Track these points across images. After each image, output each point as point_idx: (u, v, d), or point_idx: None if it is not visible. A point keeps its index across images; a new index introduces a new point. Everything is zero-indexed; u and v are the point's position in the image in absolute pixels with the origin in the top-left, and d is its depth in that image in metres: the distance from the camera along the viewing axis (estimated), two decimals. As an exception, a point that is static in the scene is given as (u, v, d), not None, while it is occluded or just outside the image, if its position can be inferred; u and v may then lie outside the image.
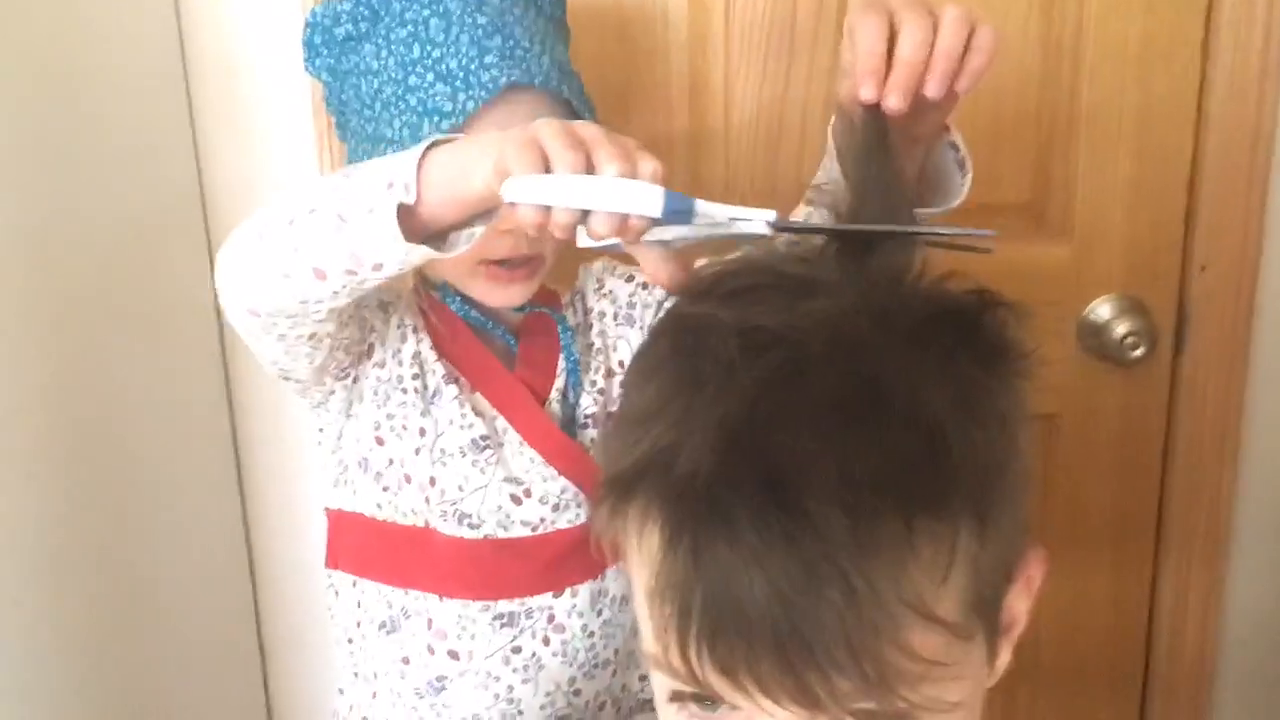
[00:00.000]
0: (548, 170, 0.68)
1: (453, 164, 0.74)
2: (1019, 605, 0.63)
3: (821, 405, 0.54)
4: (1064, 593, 1.52)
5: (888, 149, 0.70)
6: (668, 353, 0.61)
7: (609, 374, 1.04)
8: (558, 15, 1.05)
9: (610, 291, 1.07)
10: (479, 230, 0.77)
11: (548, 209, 0.68)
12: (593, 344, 1.05)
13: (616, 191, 0.67)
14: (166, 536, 1.37)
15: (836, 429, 0.54)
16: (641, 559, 0.58)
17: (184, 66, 1.38)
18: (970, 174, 0.87)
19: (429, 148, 0.75)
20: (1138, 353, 1.40)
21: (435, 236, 0.77)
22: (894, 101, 0.72)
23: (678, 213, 0.67)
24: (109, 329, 1.28)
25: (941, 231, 0.68)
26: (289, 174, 1.38)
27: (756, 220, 0.68)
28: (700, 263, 0.99)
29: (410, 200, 0.74)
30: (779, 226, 0.68)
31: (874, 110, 0.73)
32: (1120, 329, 1.41)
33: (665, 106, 1.39)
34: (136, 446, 1.33)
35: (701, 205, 0.68)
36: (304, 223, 0.79)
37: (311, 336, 0.89)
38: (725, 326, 0.58)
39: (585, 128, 0.69)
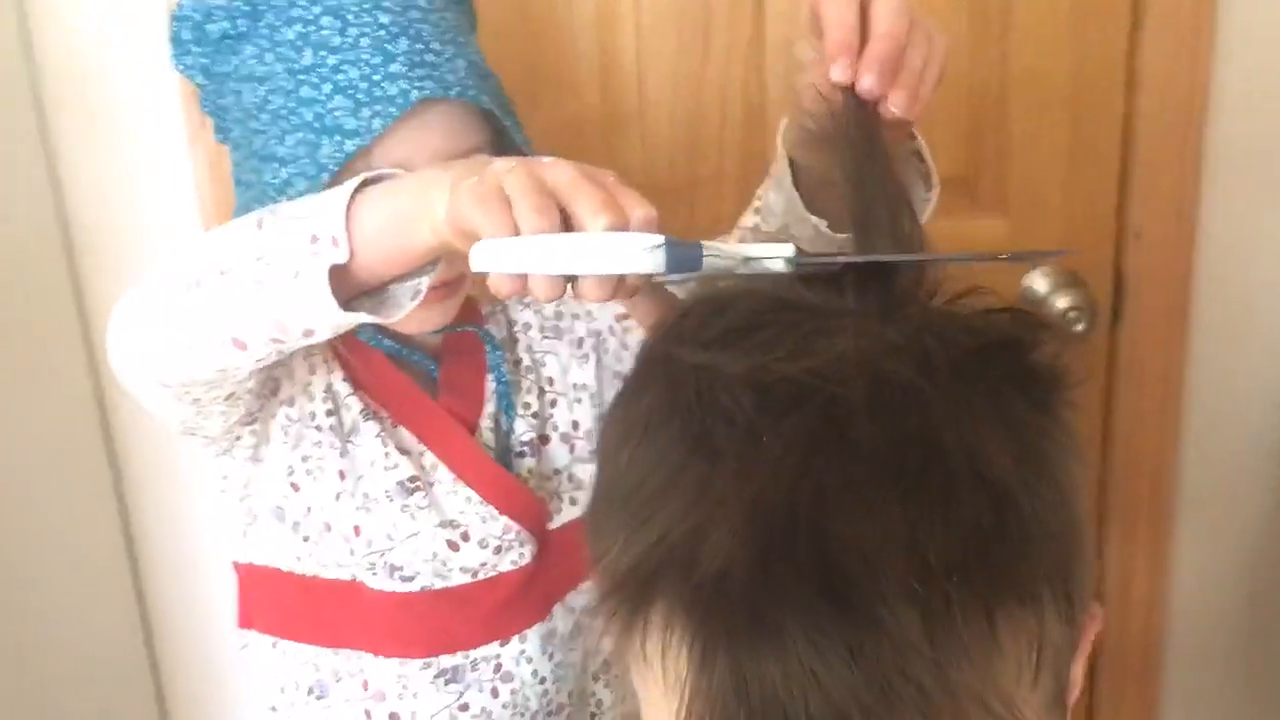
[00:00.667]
0: (517, 226, 0.58)
1: (390, 213, 0.64)
2: (1078, 670, 0.55)
3: (874, 475, 0.44)
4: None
5: (881, 146, 0.60)
6: (663, 410, 0.50)
7: (541, 393, 0.94)
8: (464, 2, 0.94)
9: (534, 301, 0.96)
10: (425, 285, 0.67)
11: (524, 275, 0.58)
12: (520, 360, 0.95)
13: (608, 250, 0.57)
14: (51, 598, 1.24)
15: (897, 504, 0.44)
16: (664, 680, 0.47)
17: (30, 68, 1.23)
18: (936, 188, 0.78)
19: (356, 189, 0.65)
20: (1079, 327, 1.35)
21: (370, 292, 0.67)
22: (870, 80, 0.62)
23: (682, 264, 0.57)
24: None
25: (998, 256, 0.58)
26: (158, 183, 1.25)
27: (774, 258, 0.58)
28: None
29: (342, 259, 0.64)
30: (801, 261, 0.58)
31: (854, 99, 0.63)
32: (1060, 303, 1.35)
33: (574, 88, 1.29)
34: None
35: (710, 250, 0.58)
36: (214, 287, 0.68)
37: (230, 396, 0.79)
38: (733, 378, 0.48)
39: (555, 170, 0.59)
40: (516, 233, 0.57)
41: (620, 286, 0.58)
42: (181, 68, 0.89)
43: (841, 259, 0.58)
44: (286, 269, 0.65)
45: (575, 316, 0.94)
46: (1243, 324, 1.40)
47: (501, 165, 0.60)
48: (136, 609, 1.38)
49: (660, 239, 0.57)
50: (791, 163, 0.77)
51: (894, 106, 0.63)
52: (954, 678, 0.43)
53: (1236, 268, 1.38)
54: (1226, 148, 1.32)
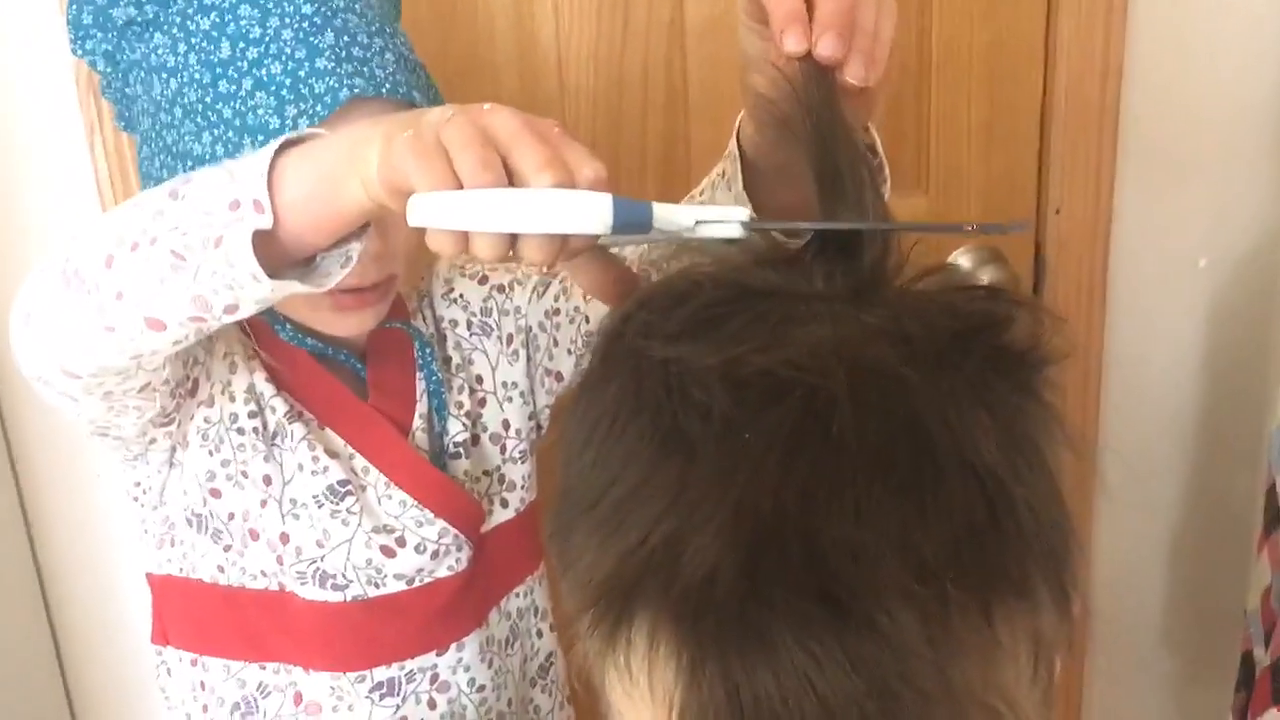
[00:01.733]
0: (459, 183, 0.54)
1: (317, 173, 0.59)
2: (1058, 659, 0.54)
3: (862, 470, 0.42)
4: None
5: (843, 116, 0.57)
6: (630, 405, 0.47)
7: (473, 391, 0.90)
8: None
9: (460, 296, 0.93)
10: (356, 251, 0.63)
11: (465, 233, 0.54)
12: (450, 358, 0.91)
13: (552, 207, 0.53)
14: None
15: (889, 501, 0.42)
16: (652, 695, 0.45)
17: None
18: (888, 183, 0.76)
19: (280, 149, 0.60)
20: (1001, 304, 1.35)
21: (298, 263, 0.62)
22: (828, 45, 0.58)
23: (630, 225, 0.54)
24: None
25: (975, 225, 0.56)
26: (57, 174, 1.18)
27: (728, 222, 0.55)
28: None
29: (266, 225, 0.59)
30: (755, 226, 0.55)
31: (811, 69, 0.59)
32: (984, 279, 1.35)
33: (491, 71, 1.25)
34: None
35: (660, 211, 0.55)
36: (127, 263, 0.63)
37: (144, 388, 0.74)
38: (705, 371, 0.45)
39: (496, 119, 0.55)
40: (458, 188, 0.54)
41: (564, 248, 0.55)
42: (81, 53, 0.83)
43: (800, 225, 0.55)
44: (205, 238, 0.60)
45: (504, 313, 0.91)
46: (1159, 296, 1.42)
47: (438, 115, 0.56)
48: (47, 625, 1.32)
49: (608, 197, 0.54)
50: (743, 163, 0.74)
51: (851, 75, 0.59)
52: (955, 679, 0.42)
53: (1152, 242, 1.39)
54: (1142, 121, 1.34)
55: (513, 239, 0.54)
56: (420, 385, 0.88)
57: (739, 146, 0.72)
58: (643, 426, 0.46)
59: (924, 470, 0.43)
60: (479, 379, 0.90)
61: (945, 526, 0.42)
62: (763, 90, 0.63)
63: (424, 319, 0.91)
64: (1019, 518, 0.44)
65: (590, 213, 0.53)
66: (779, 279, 0.50)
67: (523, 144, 0.54)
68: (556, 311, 0.89)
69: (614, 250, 0.60)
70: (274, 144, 0.60)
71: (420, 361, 0.88)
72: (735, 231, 0.55)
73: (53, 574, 1.31)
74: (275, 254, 0.61)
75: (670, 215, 0.55)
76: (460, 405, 0.89)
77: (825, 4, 0.59)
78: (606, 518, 0.45)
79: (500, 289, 0.91)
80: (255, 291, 0.61)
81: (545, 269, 0.84)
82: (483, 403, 0.90)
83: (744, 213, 0.55)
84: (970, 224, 0.57)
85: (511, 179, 0.54)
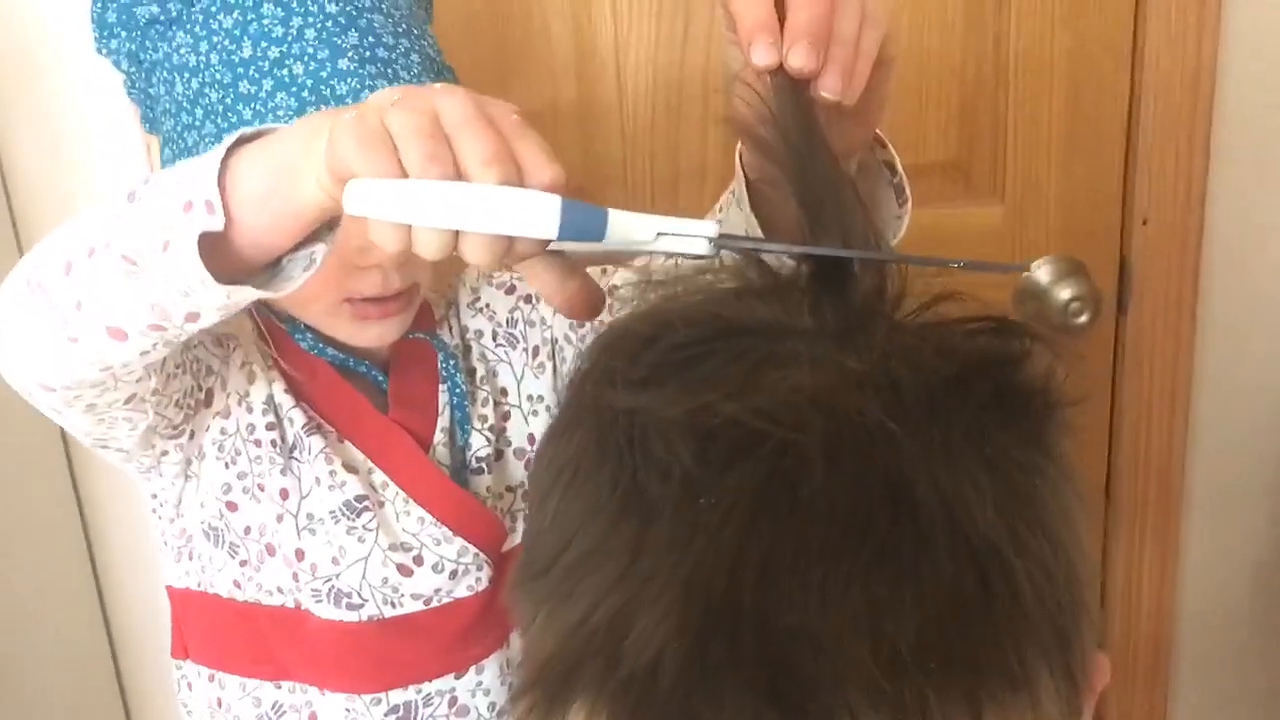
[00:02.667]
0: (405, 172, 0.50)
1: (268, 167, 0.56)
2: None
3: (831, 543, 0.37)
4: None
5: (820, 134, 0.52)
6: (592, 457, 0.42)
7: (497, 405, 0.88)
8: None
9: (486, 305, 0.89)
10: (320, 253, 0.59)
11: (408, 226, 0.51)
12: (475, 370, 0.88)
13: (494, 206, 0.49)
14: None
15: (859, 579, 0.37)
16: None
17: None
18: (909, 202, 0.71)
19: (235, 145, 0.57)
20: (1082, 319, 1.28)
21: (263, 268, 0.59)
22: (800, 55, 0.53)
23: (581, 232, 0.50)
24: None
25: (963, 263, 0.50)
26: (109, 179, 1.20)
27: (694, 236, 0.51)
28: (615, 278, 0.83)
29: (218, 225, 0.56)
30: (724, 244, 0.51)
31: (784, 83, 0.55)
32: (1062, 294, 1.26)
33: (549, 78, 1.23)
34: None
35: (617, 219, 0.50)
36: (84, 269, 0.61)
37: (130, 399, 0.71)
38: (670, 421, 0.40)
39: (445, 104, 0.51)
40: (403, 176, 0.50)
41: (510, 251, 0.51)
42: (105, 52, 0.82)
43: (773, 248, 0.50)
44: (156, 241, 0.57)
45: (531, 324, 0.88)
46: (1253, 312, 1.34)
47: (384, 98, 0.52)
48: (104, 630, 1.34)
49: (556, 199, 0.50)
50: (749, 184, 0.69)
51: (825, 89, 0.55)
52: None
53: (1247, 253, 1.31)
54: (1236, 127, 1.26)
55: (456, 236, 0.50)
56: (443, 398, 0.85)
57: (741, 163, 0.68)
58: (602, 483, 0.41)
59: (904, 540, 0.37)
60: (504, 392, 0.88)
61: (927, 607, 0.37)
62: (739, 108, 0.58)
63: (450, 328, 0.89)
64: (1018, 593, 0.38)
65: (535, 215, 0.49)
66: (765, 312, 0.44)
67: (470, 134, 0.50)
68: (582, 324, 0.86)
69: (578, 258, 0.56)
70: (227, 140, 0.57)
71: (444, 373, 0.85)
72: (701, 248, 0.51)
73: (109, 579, 1.33)
74: (235, 258, 0.58)
75: (630, 225, 0.51)
76: (484, 419, 0.86)
77: (798, 11, 0.54)
78: (558, 582, 0.41)
79: (527, 299, 0.88)
80: (211, 298, 0.58)
81: (488, 272, 0.78)
82: (507, 416, 0.87)
83: (711, 227, 0.51)
84: (959, 260, 0.51)
85: (458, 171, 0.50)
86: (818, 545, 0.37)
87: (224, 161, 0.56)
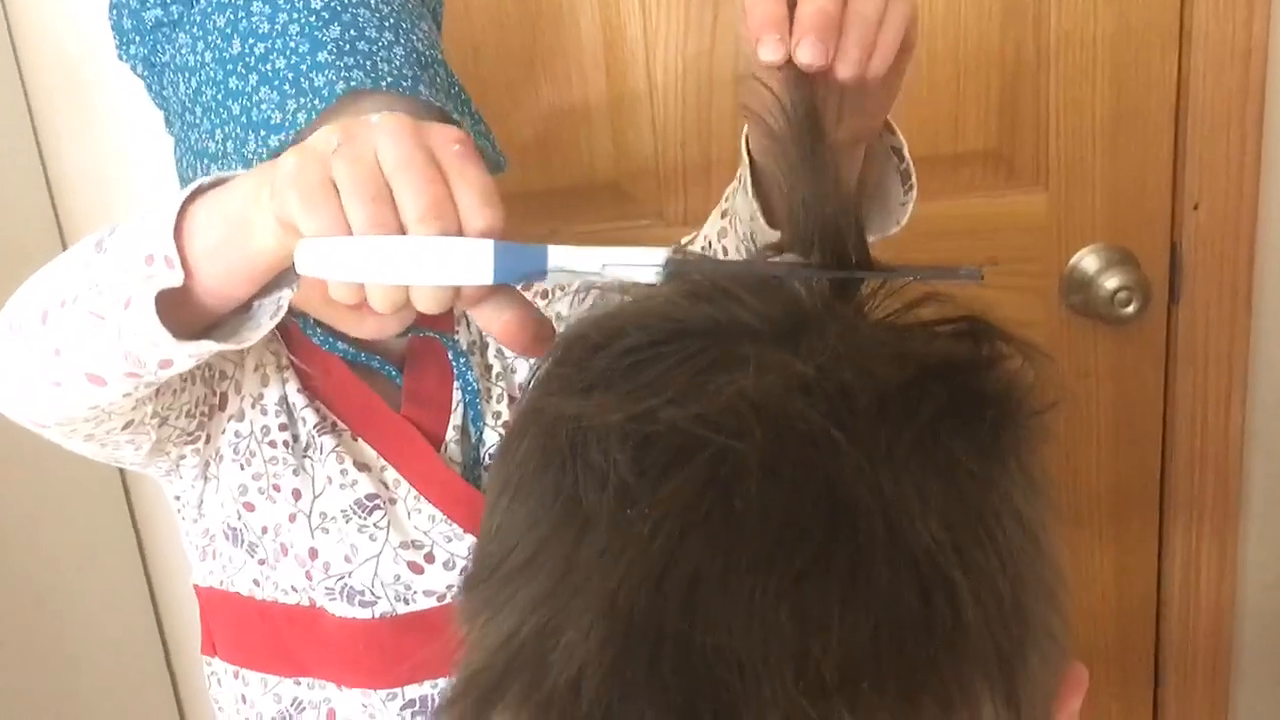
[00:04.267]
0: (348, 228, 0.51)
1: (222, 216, 0.56)
2: None
3: (760, 557, 0.35)
4: (1064, 576, 1.37)
5: (822, 136, 0.50)
6: (537, 464, 0.41)
7: (512, 401, 0.87)
8: None
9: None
10: (286, 299, 0.59)
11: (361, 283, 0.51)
12: (491, 366, 0.88)
13: (430, 258, 0.50)
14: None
15: (787, 596, 0.35)
16: None
17: (17, 61, 1.19)
18: (915, 190, 0.69)
19: (191, 197, 0.57)
20: (1130, 309, 1.25)
21: (232, 314, 0.59)
22: (808, 51, 0.52)
23: (519, 273, 0.51)
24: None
25: (917, 271, 0.48)
26: (150, 171, 1.21)
27: (642, 266, 0.50)
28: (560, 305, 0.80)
29: (177, 281, 0.56)
30: (674, 270, 0.49)
31: (793, 76, 0.54)
32: (1109, 283, 1.25)
33: (579, 70, 1.22)
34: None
35: (557, 255, 0.51)
36: (58, 319, 0.61)
37: (127, 426, 0.72)
38: (609, 428, 0.38)
39: (385, 144, 0.51)
40: (349, 231, 0.51)
41: (458, 296, 0.52)
42: (125, 58, 0.83)
43: (732, 271, 0.49)
44: (118, 297, 0.58)
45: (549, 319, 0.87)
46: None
47: (322, 142, 0.52)
48: (157, 632, 1.35)
49: (489, 245, 0.50)
50: (754, 170, 0.68)
51: (841, 72, 0.53)
52: None
53: (1304, 240, 1.26)
54: (1291, 108, 1.21)
55: (407, 290, 0.51)
56: (456, 395, 0.85)
57: (748, 150, 0.67)
58: (544, 492, 0.40)
59: (839, 553, 0.36)
60: (521, 389, 0.87)
61: (861, 624, 0.35)
62: (748, 103, 0.57)
63: (467, 326, 0.88)
64: (959, 611, 0.36)
65: (470, 263, 0.50)
66: (718, 314, 0.42)
67: (407, 183, 0.50)
68: None
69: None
70: (186, 190, 0.58)
71: (457, 370, 0.85)
72: (650, 276, 0.50)
73: (158, 575, 1.34)
74: (199, 308, 0.58)
75: (572, 259, 0.52)
76: (498, 415, 0.85)
77: (805, 4, 0.53)
78: (491, 597, 0.39)
79: (543, 294, 0.88)
80: (180, 350, 0.58)
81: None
82: None
83: (660, 254, 0.50)
84: (917, 271, 0.49)
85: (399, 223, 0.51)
86: (748, 559, 0.35)
87: (185, 209, 0.56)
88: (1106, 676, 1.46)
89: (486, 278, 0.50)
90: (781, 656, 0.34)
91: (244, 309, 0.60)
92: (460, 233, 0.50)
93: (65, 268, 0.63)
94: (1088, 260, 1.27)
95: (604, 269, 0.51)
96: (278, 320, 0.60)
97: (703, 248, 0.82)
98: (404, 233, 0.51)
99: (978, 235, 1.27)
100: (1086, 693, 0.44)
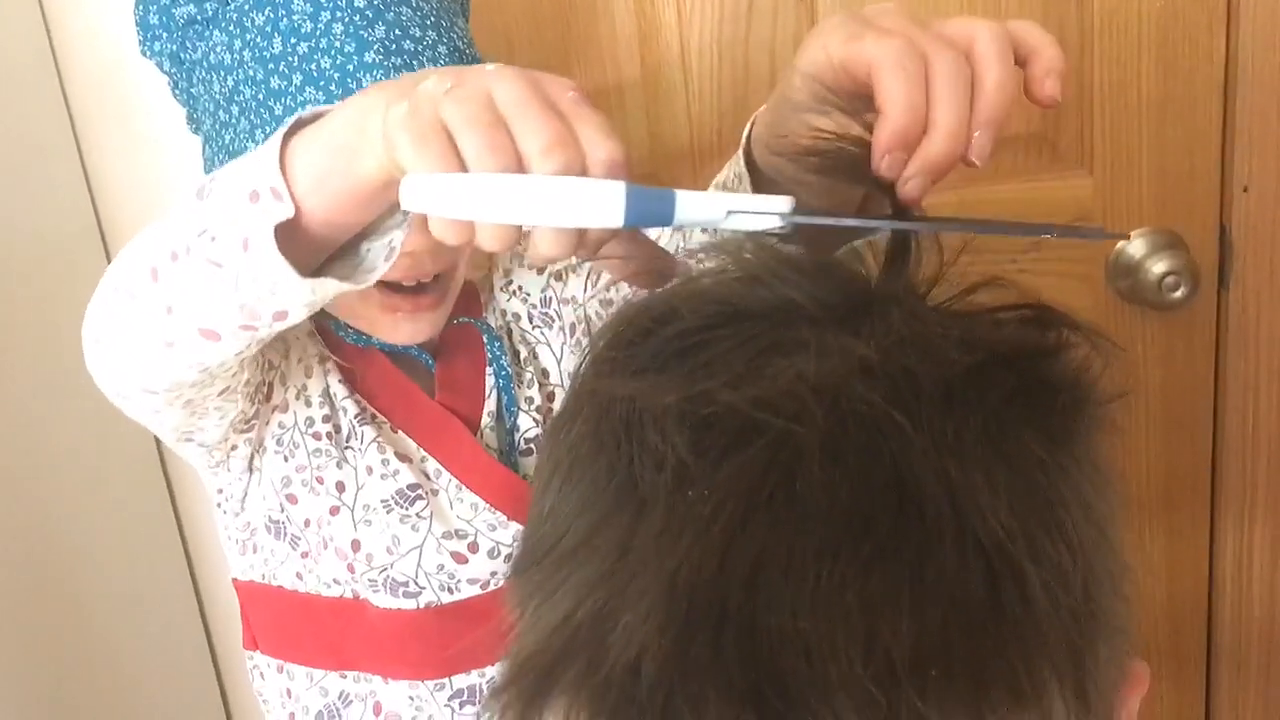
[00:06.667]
0: (461, 164, 0.49)
1: (325, 147, 0.55)
2: None
3: (826, 540, 0.35)
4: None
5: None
6: (590, 446, 0.40)
7: (542, 385, 0.87)
8: None
9: (520, 288, 0.89)
10: (398, 240, 0.58)
11: (470, 221, 0.49)
12: (518, 351, 0.88)
13: (558, 198, 0.48)
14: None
15: (855, 581, 0.34)
16: None
17: (56, 63, 1.20)
18: None
19: (291, 130, 0.56)
20: (1178, 294, 1.22)
21: (340, 255, 0.58)
22: (913, 189, 0.50)
23: (650, 217, 0.49)
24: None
25: (1021, 226, 0.46)
26: (188, 172, 1.21)
27: (766, 213, 0.48)
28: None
29: (287, 212, 0.55)
30: (797, 219, 0.48)
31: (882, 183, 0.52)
32: (1156, 268, 1.23)
33: (612, 58, 1.21)
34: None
35: (685, 200, 0.49)
36: (170, 275, 0.60)
37: (224, 391, 0.72)
38: (666, 409, 0.38)
39: (500, 86, 0.49)
40: (460, 169, 0.49)
41: (581, 241, 0.49)
42: (150, 54, 0.83)
43: (849, 222, 0.49)
44: (235, 240, 0.57)
45: (564, 303, 0.87)
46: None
47: (436, 86, 0.50)
48: (203, 632, 1.35)
49: (621, 186, 0.48)
50: (751, 170, 0.66)
51: (905, 195, 0.51)
52: None
53: (1358, 220, 1.24)
54: (1343, 86, 1.18)
55: (520, 228, 0.49)
56: (489, 381, 0.84)
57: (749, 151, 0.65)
58: (598, 473, 0.39)
59: (907, 539, 0.35)
60: (545, 373, 0.87)
61: (929, 611, 0.34)
62: (806, 141, 0.54)
63: (493, 311, 0.89)
64: (1030, 601, 0.36)
65: (601, 205, 0.48)
66: (773, 297, 0.41)
67: (528, 120, 0.48)
68: (610, 302, 0.84)
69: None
70: (284, 126, 0.57)
71: (490, 355, 0.84)
72: (774, 223, 0.49)
73: (203, 570, 1.34)
74: (309, 244, 0.57)
75: (698, 205, 0.49)
76: (530, 400, 0.85)
77: (936, 141, 0.49)
78: (548, 574, 0.39)
79: (557, 276, 0.87)
80: (296, 294, 0.58)
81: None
82: (552, 396, 0.86)
83: (785, 203, 0.49)
84: (1054, 228, 0.47)
85: (518, 159, 0.49)
86: (813, 543, 0.35)
87: (283, 146, 0.56)
88: (1158, 669, 1.43)
89: (617, 220, 0.48)
90: (850, 641, 0.34)
91: (354, 254, 0.59)
92: (583, 171, 0.48)
93: (170, 223, 0.61)
94: (1134, 244, 1.25)
95: (728, 216, 0.49)
96: (391, 262, 0.58)
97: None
98: (521, 167, 0.48)
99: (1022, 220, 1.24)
100: (1138, 686, 0.43)
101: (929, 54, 0.50)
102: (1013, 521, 0.36)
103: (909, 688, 0.33)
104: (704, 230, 0.61)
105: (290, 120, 0.57)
